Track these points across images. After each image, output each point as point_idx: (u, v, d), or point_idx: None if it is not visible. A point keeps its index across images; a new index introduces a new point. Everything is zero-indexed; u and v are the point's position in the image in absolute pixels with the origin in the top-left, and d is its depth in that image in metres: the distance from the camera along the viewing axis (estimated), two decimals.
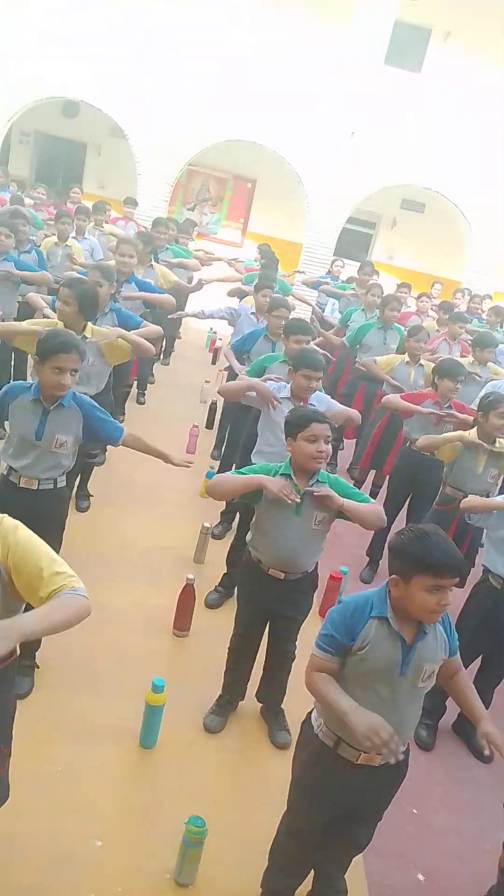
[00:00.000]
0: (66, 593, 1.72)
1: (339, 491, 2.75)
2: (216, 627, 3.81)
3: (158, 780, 2.89)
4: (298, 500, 2.68)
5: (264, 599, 2.97)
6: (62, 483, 3.01)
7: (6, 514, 1.86)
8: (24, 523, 1.86)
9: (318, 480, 2.75)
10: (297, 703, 3.13)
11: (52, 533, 2.78)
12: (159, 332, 4.66)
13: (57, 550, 2.11)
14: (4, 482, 2.93)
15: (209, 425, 6.93)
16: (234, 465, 5.19)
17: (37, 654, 3.19)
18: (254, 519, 2.93)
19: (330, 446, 2.75)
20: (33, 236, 6.85)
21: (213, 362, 9.60)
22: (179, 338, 9.81)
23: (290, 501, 2.65)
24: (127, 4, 11.75)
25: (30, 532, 1.82)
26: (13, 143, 14.24)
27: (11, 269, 5.20)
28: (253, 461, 3.73)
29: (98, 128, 14.02)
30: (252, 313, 5.60)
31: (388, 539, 2.11)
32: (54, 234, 6.95)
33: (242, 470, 2.86)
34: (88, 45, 11.74)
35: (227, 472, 2.81)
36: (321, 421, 2.69)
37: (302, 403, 3.48)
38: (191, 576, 3.74)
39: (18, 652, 1.99)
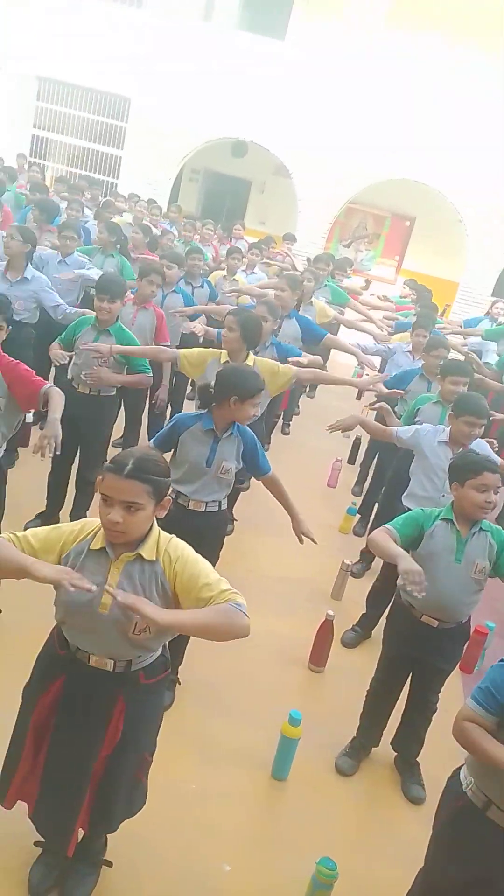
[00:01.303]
0: (230, 605, 1.80)
1: (500, 542, 2.68)
2: (352, 667, 3.77)
3: (288, 813, 2.89)
4: None
5: (413, 646, 2.91)
6: (224, 506, 3.15)
7: (174, 535, 1.98)
8: (190, 544, 1.98)
9: (480, 529, 2.68)
10: (435, 759, 3.05)
11: (214, 552, 2.96)
12: (320, 362, 4.74)
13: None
14: (174, 505, 3.09)
15: (352, 460, 6.91)
16: (375, 504, 5.15)
17: (178, 669, 3.31)
18: None
19: (497, 496, 2.68)
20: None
21: (358, 398, 9.58)
22: (324, 370, 9.88)
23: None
24: (292, 56, 12.22)
25: (196, 553, 1.93)
26: (183, 181, 15.14)
27: (181, 303, 5.54)
28: (403, 504, 3.69)
29: (263, 167, 14.59)
30: (407, 351, 5.56)
31: None
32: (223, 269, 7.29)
33: (398, 520, 2.82)
34: (261, 90, 12.30)
35: (388, 529, 2.76)
36: (493, 470, 2.64)
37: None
38: (331, 612, 3.73)
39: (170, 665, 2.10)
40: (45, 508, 4.40)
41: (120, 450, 5.40)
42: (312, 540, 3.14)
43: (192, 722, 3.18)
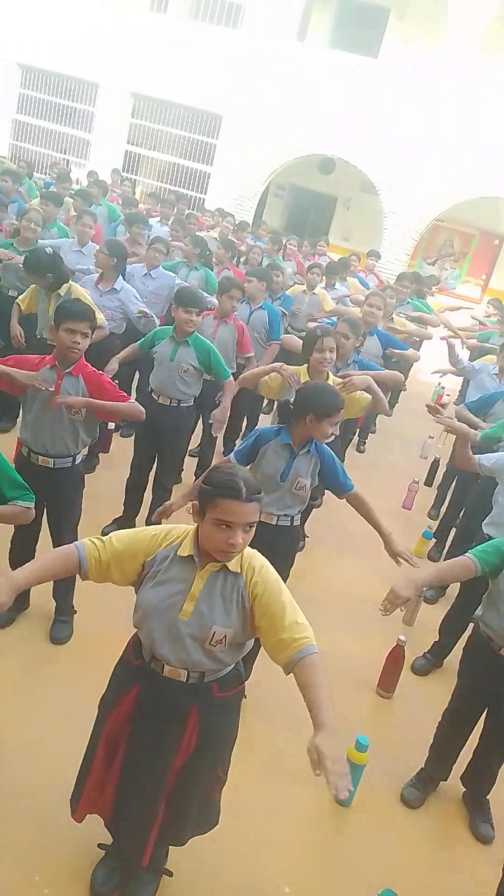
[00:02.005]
0: (311, 652, 1.83)
1: None
2: (423, 695, 3.67)
3: (351, 840, 2.83)
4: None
5: (491, 681, 2.80)
6: (296, 521, 3.14)
7: (256, 550, 1.98)
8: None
9: None
10: None
11: (284, 568, 2.94)
12: (399, 379, 4.67)
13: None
14: None
15: (429, 482, 6.77)
16: (452, 529, 5.02)
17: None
18: (487, 593, 2.79)
19: None
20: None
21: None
22: (405, 389, 9.74)
23: None
24: (384, 74, 12.19)
25: (276, 575, 1.94)
26: (269, 196, 15.31)
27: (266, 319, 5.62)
28: (484, 532, 3.58)
29: (350, 183, 14.59)
30: (494, 374, 5.41)
31: None
32: (303, 283, 7.30)
33: (481, 547, 2.72)
34: (352, 107, 12.33)
35: (469, 557, 2.65)
36: None
37: None
38: (402, 637, 3.65)
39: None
40: (121, 513, 4.50)
41: (196, 459, 5.43)
42: (410, 561, 2.90)
43: (258, 736, 3.16)
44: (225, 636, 1.89)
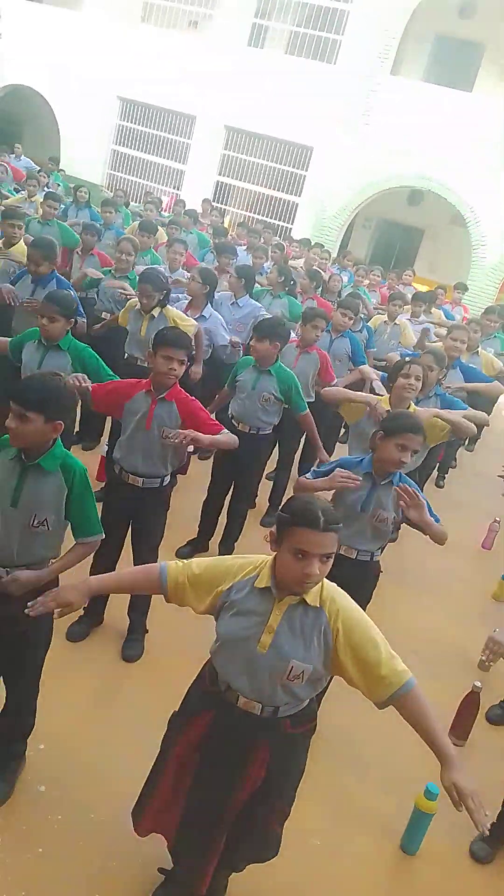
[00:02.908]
0: (414, 685, 1.84)
1: None
2: (497, 746, 3.53)
3: (412, 889, 2.73)
4: None
5: None
6: (377, 557, 3.08)
7: (335, 584, 1.96)
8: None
9: None
10: None
11: (364, 603, 2.86)
12: (485, 420, 4.56)
13: None
14: None
15: None
16: None
17: None
18: None
19: None
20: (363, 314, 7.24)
21: None
22: (487, 425, 9.48)
23: None
24: (479, 108, 12.10)
25: (360, 611, 1.92)
26: (356, 227, 15.36)
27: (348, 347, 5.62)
28: None
29: (438, 215, 14.48)
30: None
31: None
32: (384, 313, 7.27)
33: None
34: (441, 139, 12.28)
35: None
36: None
37: None
38: (478, 683, 3.51)
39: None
40: (196, 535, 4.55)
41: (272, 483, 5.45)
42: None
43: (324, 773, 3.09)
44: (303, 672, 1.87)
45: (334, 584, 1.95)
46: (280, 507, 1.91)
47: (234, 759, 1.99)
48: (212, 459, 4.72)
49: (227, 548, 4.53)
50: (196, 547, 4.53)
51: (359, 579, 2.97)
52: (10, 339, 3.83)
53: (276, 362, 4.25)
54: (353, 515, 2.96)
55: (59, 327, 3.63)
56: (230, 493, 4.51)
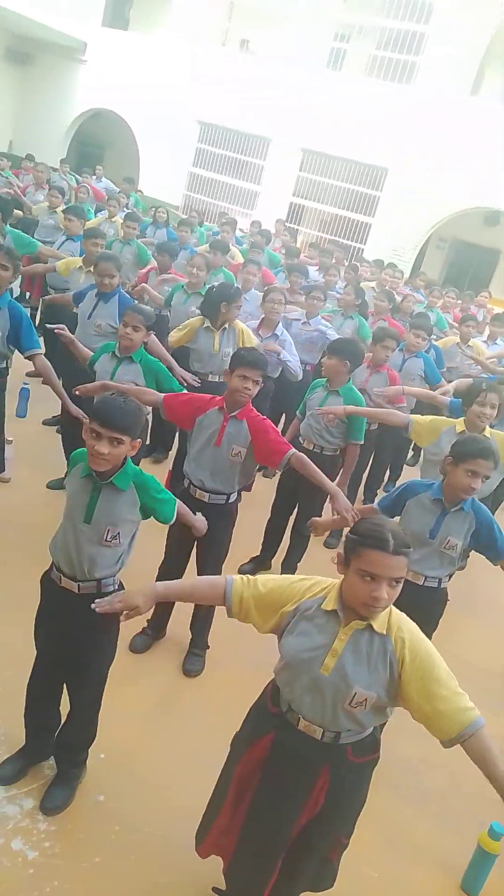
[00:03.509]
0: (482, 725, 1.78)
1: None
2: None
3: None
4: None
5: None
6: (444, 584, 3.01)
7: (404, 613, 1.92)
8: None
9: None
10: None
11: (427, 634, 2.77)
12: None
13: None
14: None
15: None
16: None
17: None
18: None
19: None
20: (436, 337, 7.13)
21: None
22: None
23: None
24: None
25: (428, 644, 1.87)
26: (429, 248, 15.19)
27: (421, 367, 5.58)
28: None
29: None
30: None
31: None
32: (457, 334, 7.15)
33: None
34: None
35: None
36: None
37: None
38: None
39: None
40: (258, 553, 4.54)
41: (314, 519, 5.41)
42: None
43: (383, 803, 3.00)
44: (366, 699, 1.83)
45: (402, 613, 1.91)
46: (350, 529, 1.88)
47: (295, 782, 1.95)
48: (277, 478, 4.73)
49: (289, 568, 4.51)
50: (259, 565, 4.52)
51: (426, 606, 2.90)
52: (92, 353, 4.01)
53: (346, 384, 4.24)
54: (421, 542, 2.90)
55: (140, 337, 3.82)
56: (294, 513, 4.49)
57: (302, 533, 4.46)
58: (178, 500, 2.59)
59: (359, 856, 2.70)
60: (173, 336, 4.95)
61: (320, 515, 5.14)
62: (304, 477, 4.15)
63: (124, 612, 1.99)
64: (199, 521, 2.87)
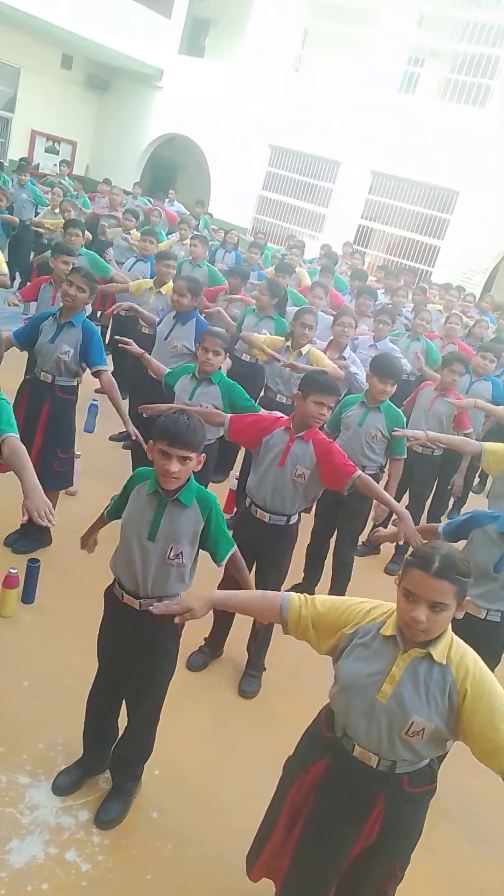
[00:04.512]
0: None
1: None
2: None
3: None
4: None
5: None
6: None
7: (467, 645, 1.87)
8: None
9: None
10: None
11: (492, 664, 2.73)
12: None
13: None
14: None
15: None
16: None
17: None
18: None
19: None
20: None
21: None
22: None
23: None
24: None
25: (492, 678, 1.82)
26: (500, 272, 14.92)
27: (489, 391, 5.50)
28: None
29: None
30: None
31: None
32: None
33: None
34: None
35: None
36: None
37: None
38: None
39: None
40: (301, 581, 4.47)
41: (380, 529, 5.38)
42: None
43: (440, 840, 2.93)
44: (423, 729, 1.79)
45: (465, 644, 1.87)
46: (410, 552, 1.87)
47: (349, 809, 1.93)
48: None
49: (337, 594, 4.43)
50: (301, 592, 4.45)
51: (488, 639, 2.84)
52: (169, 371, 4.11)
53: (385, 400, 4.17)
54: (485, 575, 2.85)
55: (219, 361, 3.91)
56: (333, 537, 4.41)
57: (345, 560, 4.37)
58: (236, 547, 2.56)
59: (413, 891, 2.63)
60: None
61: (358, 540, 5.04)
62: (344, 501, 4.10)
63: (179, 616, 2.05)
64: (246, 580, 2.68)
